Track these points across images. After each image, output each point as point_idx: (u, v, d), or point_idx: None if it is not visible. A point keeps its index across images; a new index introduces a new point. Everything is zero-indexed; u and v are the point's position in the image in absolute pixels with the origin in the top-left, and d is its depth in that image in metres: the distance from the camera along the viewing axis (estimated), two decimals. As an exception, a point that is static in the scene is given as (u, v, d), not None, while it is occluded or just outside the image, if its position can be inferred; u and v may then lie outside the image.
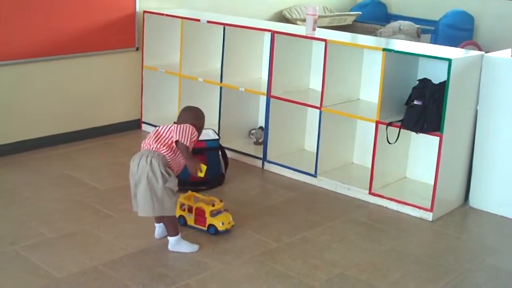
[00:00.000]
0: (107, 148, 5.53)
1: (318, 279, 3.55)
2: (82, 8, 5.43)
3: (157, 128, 3.80)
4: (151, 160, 3.63)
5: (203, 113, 3.98)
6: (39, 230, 3.94)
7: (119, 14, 5.71)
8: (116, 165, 5.11)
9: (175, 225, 3.78)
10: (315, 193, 4.78)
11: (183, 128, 3.70)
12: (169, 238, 3.78)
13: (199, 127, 3.87)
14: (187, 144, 3.67)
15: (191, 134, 3.71)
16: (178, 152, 3.70)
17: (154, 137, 3.72)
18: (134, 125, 6.04)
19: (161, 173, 3.62)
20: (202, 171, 3.69)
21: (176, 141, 3.66)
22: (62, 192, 4.54)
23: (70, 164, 5.09)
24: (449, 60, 4.14)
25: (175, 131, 3.68)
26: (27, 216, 4.13)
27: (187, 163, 3.71)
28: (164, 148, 3.67)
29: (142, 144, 3.77)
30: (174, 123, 3.83)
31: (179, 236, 3.78)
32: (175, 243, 3.76)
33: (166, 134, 3.71)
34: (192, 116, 3.88)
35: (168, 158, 3.68)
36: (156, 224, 3.91)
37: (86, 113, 5.70)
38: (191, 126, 3.74)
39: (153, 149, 3.67)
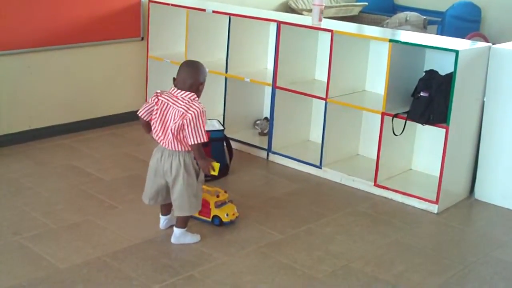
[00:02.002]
0: (112, 138, 5.51)
1: (322, 271, 3.54)
2: (87, -3, 5.42)
3: (163, 118, 3.63)
4: (184, 159, 3.61)
5: (203, 67, 3.77)
6: (42, 221, 3.93)
7: (124, 3, 5.68)
8: (121, 155, 5.09)
9: (187, 219, 3.78)
10: (320, 185, 4.76)
11: (195, 124, 3.53)
12: (175, 229, 3.76)
13: (201, 83, 3.68)
14: (205, 139, 3.56)
15: (204, 121, 3.56)
16: None
17: (174, 136, 3.57)
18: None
19: (195, 169, 3.65)
20: (215, 170, 3.65)
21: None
22: (66, 182, 4.53)
23: (74, 154, 5.08)
24: (456, 52, 4.11)
25: (189, 132, 3.53)
26: (30, 206, 4.12)
27: (199, 162, 3.64)
28: (186, 146, 3.62)
29: (156, 136, 3.66)
30: (174, 78, 3.70)
31: (185, 229, 3.77)
32: (180, 235, 3.75)
33: (178, 132, 3.56)
34: (194, 74, 3.67)
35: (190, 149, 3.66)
36: (162, 216, 3.90)
37: (91, 103, 5.68)
38: (199, 110, 3.54)
39: (181, 150, 3.61)
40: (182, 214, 3.70)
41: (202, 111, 3.58)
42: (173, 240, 3.76)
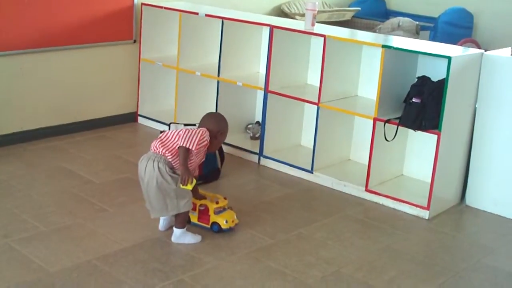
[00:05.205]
0: (103, 141, 5.49)
1: (313, 276, 3.53)
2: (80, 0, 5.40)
3: (168, 131, 3.80)
4: (158, 165, 3.63)
5: (224, 119, 3.96)
6: (32, 223, 3.91)
7: (117, 6, 5.67)
8: (112, 158, 5.08)
9: (185, 218, 3.79)
10: (311, 189, 4.76)
11: (191, 133, 3.66)
12: (175, 229, 3.78)
13: (219, 132, 3.86)
14: (192, 148, 3.62)
15: (199, 139, 3.66)
16: (191, 156, 3.69)
17: (160, 140, 3.72)
18: (130, 118, 6.00)
19: (170, 176, 3.64)
20: (191, 184, 3.63)
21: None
22: (56, 185, 4.51)
23: (65, 156, 5.06)
24: (449, 58, 4.11)
25: (182, 136, 3.64)
26: (20, 209, 4.10)
27: (180, 168, 3.64)
28: (169, 154, 3.66)
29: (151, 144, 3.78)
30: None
31: (185, 229, 3.78)
32: (180, 235, 3.77)
33: (173, 138, 3.69)
34: (212, 122, 3.87)
35: (173, 163, 3.68)
36: (161, 217, 3.89)
37: (82, 105, 5.66)
38: (202, 131, 3.72)
39: (159, 153, 3.67)
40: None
41: (202, 135, 3.70)
42: (173, 239, 3.78)
